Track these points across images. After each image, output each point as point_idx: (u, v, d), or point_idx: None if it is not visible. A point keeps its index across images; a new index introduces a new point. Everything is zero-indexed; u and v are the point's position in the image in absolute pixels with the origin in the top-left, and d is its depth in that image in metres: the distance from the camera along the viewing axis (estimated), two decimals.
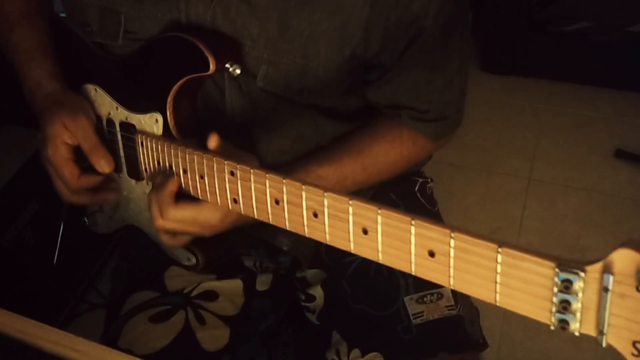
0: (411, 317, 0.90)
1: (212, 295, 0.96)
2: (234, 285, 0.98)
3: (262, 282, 1.02)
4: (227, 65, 0.78)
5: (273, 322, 1.01)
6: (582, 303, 0.46)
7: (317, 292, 0.98)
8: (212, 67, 0.75)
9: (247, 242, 1.00)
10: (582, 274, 0.45)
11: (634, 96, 2.35)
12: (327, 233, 0.61)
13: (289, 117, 0.88)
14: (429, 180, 1.06)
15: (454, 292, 0.93)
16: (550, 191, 2.11)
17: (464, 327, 0.92)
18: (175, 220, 0.78)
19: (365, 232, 0.57)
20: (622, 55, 2.33)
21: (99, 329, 0.98)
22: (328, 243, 0.61)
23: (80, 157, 0.86)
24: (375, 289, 0.94)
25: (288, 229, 0.65)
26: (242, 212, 0.70)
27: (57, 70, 0.91)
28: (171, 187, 0.77)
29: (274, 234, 0.95)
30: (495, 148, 2.27)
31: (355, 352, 0.90)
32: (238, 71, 0.79)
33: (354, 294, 0.95)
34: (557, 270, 0.46)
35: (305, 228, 0.63)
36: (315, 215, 0.61)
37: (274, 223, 0.66)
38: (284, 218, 0.65)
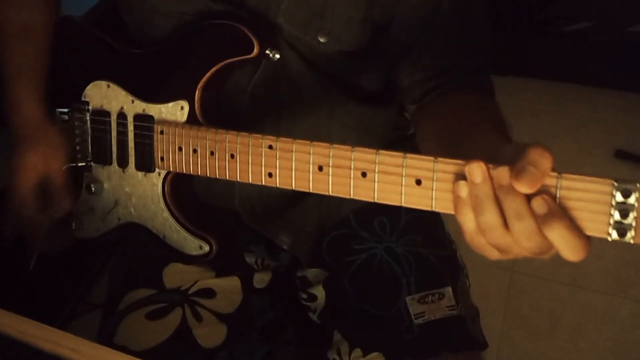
0: (413, 317, 0.90)
1: (209, 293, 0.96)
2: (232, 283, 0.99)
3: (260, 280, 1.03)
4: (267, 52, 0.80)
5: (271, 318, 1.01)
6: (638, 212, 0.51)
7: (319, 291, 0.99)
8: (255, 50, 0.78)
9: (249, 238, 1.00)
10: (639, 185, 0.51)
11: (634, 96, 2.35)
12: (375, 191, 0.63)
13: (314, 99, 0.89)
14: None
15: (455, 292, 0.93)
16: None
17: (465, 327, 0.92)
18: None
19: (418, 182, 0.60)
20: (622, 55, 2.33)
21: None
22: (376, 201, 0.63)
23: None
24: (377, 288, 0.94)
25: (331, 193, 0.66)
26: (278, 185, 0.71)
27: (41, 94, 0.92)
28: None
29: (276, 233, 0.96)
30: None
31: (357, 352, 0.90)
32: (277, 56, 0.81)
33: (356, 294, 0.95)
34: (615, 184, 0.52)
35: (352, 189, 0.65)
36: (364, 174, 0.63)
37: (314, 191, 0.68)
38: (327, 183, 0.66)
